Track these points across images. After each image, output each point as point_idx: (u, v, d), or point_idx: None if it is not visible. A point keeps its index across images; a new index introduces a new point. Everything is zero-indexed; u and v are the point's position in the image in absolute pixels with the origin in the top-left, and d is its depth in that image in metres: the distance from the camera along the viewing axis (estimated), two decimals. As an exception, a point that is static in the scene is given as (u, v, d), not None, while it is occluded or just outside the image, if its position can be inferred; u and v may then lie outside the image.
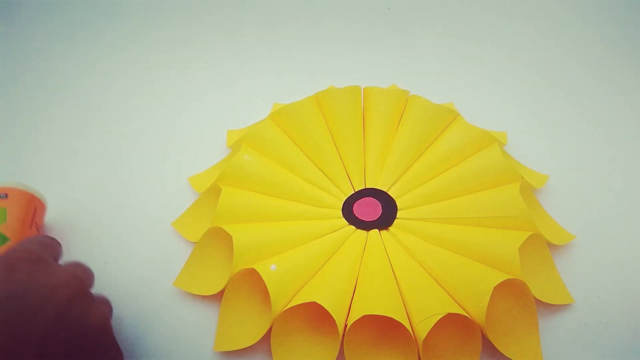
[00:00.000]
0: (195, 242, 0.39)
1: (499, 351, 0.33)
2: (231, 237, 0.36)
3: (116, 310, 0.37)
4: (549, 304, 0.35)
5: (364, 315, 0.32)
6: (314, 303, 0.32)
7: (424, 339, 0.32)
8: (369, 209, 0.40)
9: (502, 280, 0.33)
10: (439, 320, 0.32)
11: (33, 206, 0.40)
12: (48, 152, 0.49)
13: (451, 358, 0.33)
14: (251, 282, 0.35)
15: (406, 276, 0.36)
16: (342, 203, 0.41)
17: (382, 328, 0.34)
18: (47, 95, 0.55)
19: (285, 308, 0.33)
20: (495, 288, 0.32)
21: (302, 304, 0.33)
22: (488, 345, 0.33)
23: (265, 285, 0.33)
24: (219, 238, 0.37)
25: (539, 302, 0.35)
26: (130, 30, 0.62)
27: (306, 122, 0.45)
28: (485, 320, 0.32)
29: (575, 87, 0.53)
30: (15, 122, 0.52)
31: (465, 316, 0.33)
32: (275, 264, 0.35)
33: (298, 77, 0.55)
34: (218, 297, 0.36)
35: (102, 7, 0.66)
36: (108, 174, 0.46)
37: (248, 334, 0.34)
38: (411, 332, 0.32)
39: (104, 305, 0.32)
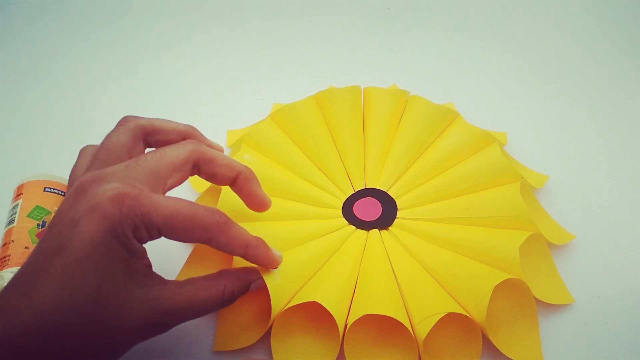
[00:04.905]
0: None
1: (499, 351, 0.33)
2: (231, 237, 0.36)
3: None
4: (549, 304, 0.35)
5: (364, 315, 0.32)
6: (314, 303, 0.32)
7: (424, 339, 0.32)
8: (369, 209, 0.40)
9: (502, 280, 0.33)
10: (439, 319, 0.32)
11: None
12: (47, 152, 0.49)
13: (451, 358, 0.33)
14: (251, 281, 0.35)
15: (406, 276, 0.36)
16: (342, 203, 0.41)
17: (382, 328, 0.34)
18: (45, 96, 0.55)
19: (285, 308, 0.33)
20: (495, 288, 0.32)
21: (302, 303, 0.33)
22: (488, 345, 0.33)
23: (265, 285, 0.33)
24: (219, 238, 0.37)
25: (539, 302, 0.35)
26: (129, 30, 0.62)
27: (306, 122, 0.45)
28: (486, 320, 0.32)
29: (575, 87, 0.53)
30: (13, 123, 0.52)
31: (466, 316, 0.33)
32: (275, 264, 0.35)
33: (298, 77, 0.55)
34: (218, 296, 0.36)
35: (100, 7, 0.65)
36: (108, 174, 0.46)
37: (248, 333, 0.34)
38: (411, 332, 0.32)
39: None
